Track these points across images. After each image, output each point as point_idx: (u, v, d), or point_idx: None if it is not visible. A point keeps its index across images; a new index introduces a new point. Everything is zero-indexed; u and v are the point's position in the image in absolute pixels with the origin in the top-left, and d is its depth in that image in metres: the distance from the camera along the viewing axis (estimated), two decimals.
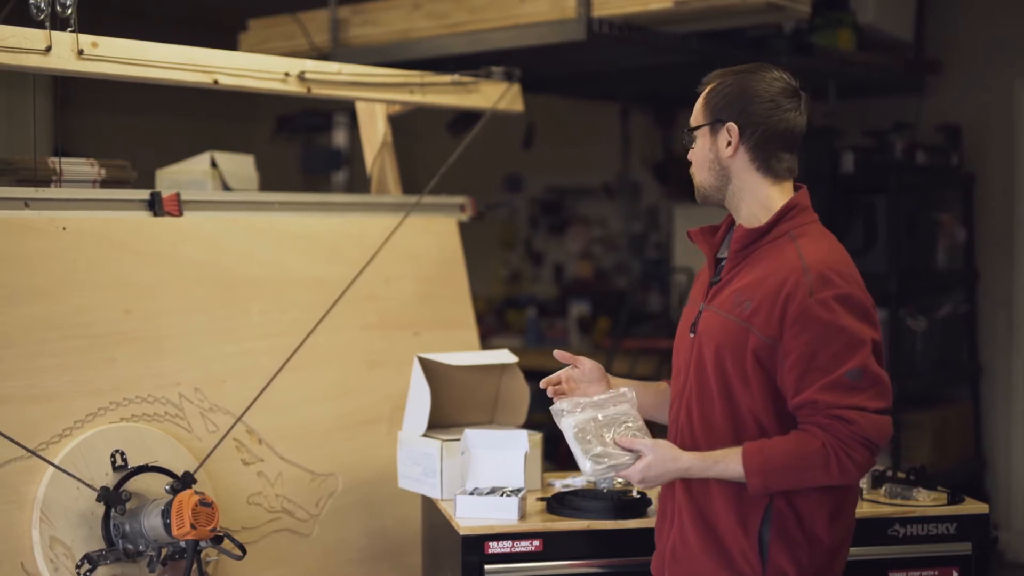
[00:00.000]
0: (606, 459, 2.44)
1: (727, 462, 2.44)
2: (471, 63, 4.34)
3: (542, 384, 2.72)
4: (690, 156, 2.62)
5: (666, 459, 2.45)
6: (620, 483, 3.34)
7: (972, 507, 3.18)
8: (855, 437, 2.39)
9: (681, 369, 2.60)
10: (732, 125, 2.54)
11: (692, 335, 2.57)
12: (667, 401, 2.74)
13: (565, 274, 7.95)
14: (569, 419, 2.52)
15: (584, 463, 2.45)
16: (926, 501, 3.19)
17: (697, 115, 2.59)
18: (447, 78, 4.12)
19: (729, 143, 2.55)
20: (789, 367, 2.43)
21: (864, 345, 2.42)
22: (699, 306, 2.60)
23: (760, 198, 2.57)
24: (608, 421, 2.52)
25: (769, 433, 2.48)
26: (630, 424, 2.52)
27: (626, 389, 2.59)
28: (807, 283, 2.43)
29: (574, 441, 2.48)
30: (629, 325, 6.70)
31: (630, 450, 2.47)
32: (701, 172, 2.60)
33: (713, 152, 2.57)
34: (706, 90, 2.59)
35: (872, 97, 6.13)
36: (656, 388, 2.82)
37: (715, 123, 2.55)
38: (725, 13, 4.35)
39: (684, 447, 2.52)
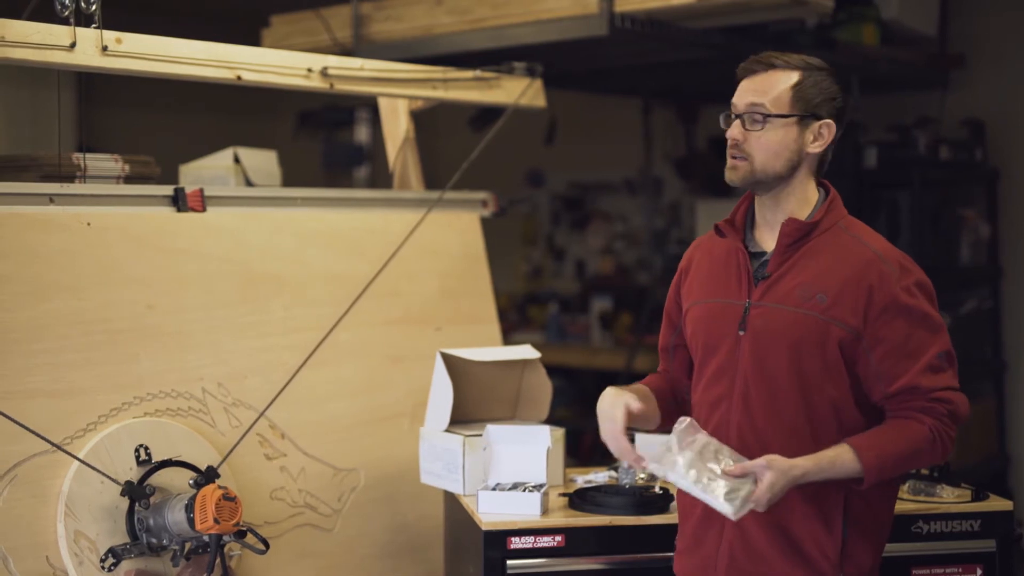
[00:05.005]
0: (736, 494, 2.33)
1: (842, 462, 2.41)
2: (493, 59, 4.34)
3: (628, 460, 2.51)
4: (753, 139, 2.52)
5: (784, 471, 2.36)
6: (642, 479, 3.34)
7: (996, 504, 3.16)
8: (953, 416, 2.48)
9: (725, 369, 2.56)
10: (832, 123, 2.55)
11: (741, 333, 2.54)
12: (654, 410, 2.70)
13: (587, 270, 7.94)
14: (675, 468, 2.35)
15: (723, 506, 2.33)
16: (950, 498, 3.17)
17: (781, 102, 2.52)
18: (469, 74, 4.12)
19: (817, 139, 2.55)
20: (882, 355, 2.46)
21: (943, 328, 2.51)
22: (740, 302, 2.56)
23: (808, 192, 2.60)
24: (703, 454, 2.38)
25: (847, 423, 2.49)
26: (725, 451, 2.40)
27: (687, 419, 2.43)
28: (890, 272, 2.48)
29: (695, 488, 2.35)
30: (651, 321, 6.68)
31: (743, 475, 2.36)
32: (772, 159, 2.53)
33: (797, 143, 2.54)
34: (794, 80, 2.52)
35: (895, 92, 6.10)
36: (646, 395, 2.71)
37: (808, 117, 2.53)
38: (748, 8, 4.33)
39: (748, 449, 2.47)
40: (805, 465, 2.39)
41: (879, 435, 2.46)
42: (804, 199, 2.59)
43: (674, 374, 2.82)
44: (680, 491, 2.71)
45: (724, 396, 2.55)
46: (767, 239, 2.61)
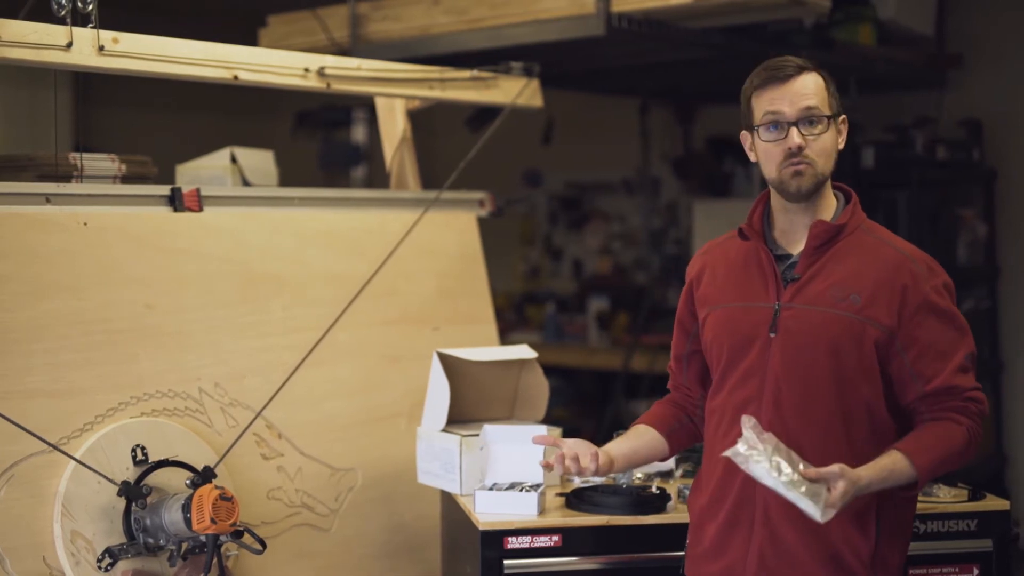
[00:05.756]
0: (817, 498, 2.32)
1: (899, 470, 2.43)
2: (490, 58, 4.34)
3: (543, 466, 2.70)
4: (812, 143, 2.51)
5: (853, 481, 2.36)
6: (639, 479, 3.34)
7: (993, 504, 3.16)
8: (982, 415, 2.50)
9: (754, 372, 2.55)
10: (846, 117, 2.59)
11: (772, 335, 2.53)
12: (654, 442, 2.78)
13: (584, 269, 7.95)
14: (761, 465, 2.34)
15: (811, 508, 2.32)
16: (947, 498, 3.17)
17: (825, 103, 2.52)
18: (466, 73, 4.12)
19: (840, 135, 2.58)
20: (916, 355, 2.48)
21: (968, 330, 2.53)
22: (769, 304, 2.55)
23: (831, 193, 2.62)
24: (779, 451, 2.37)
25: (878, 423, 2.50)
26: (794, 455, 2.38)
27: (751, 420, 2.39)
28: (920, 272, 2.51)
29: (781, 485, 2.33)
30: (648, 321, 6.69)
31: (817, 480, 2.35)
32: (828, 161, 2.54)
33: (836, 143, 2.56)
34: (823, 81, 2.54)
35: (893, 92, 6.10)
36: (638, 432, 2.81)
37: (838, 114, 2.56)
38: (745, 8, 4.33)
39: None
40: (869, 476, 2.40)
41: (924, 439, 2.47)
42: (830, 201, 2.60)
43: (687, 384, 2.81)
44: (693, 495, 2.70)
45: (753, 398, 2.54)
46: (790, 241, 2.60)
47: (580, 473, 2.69)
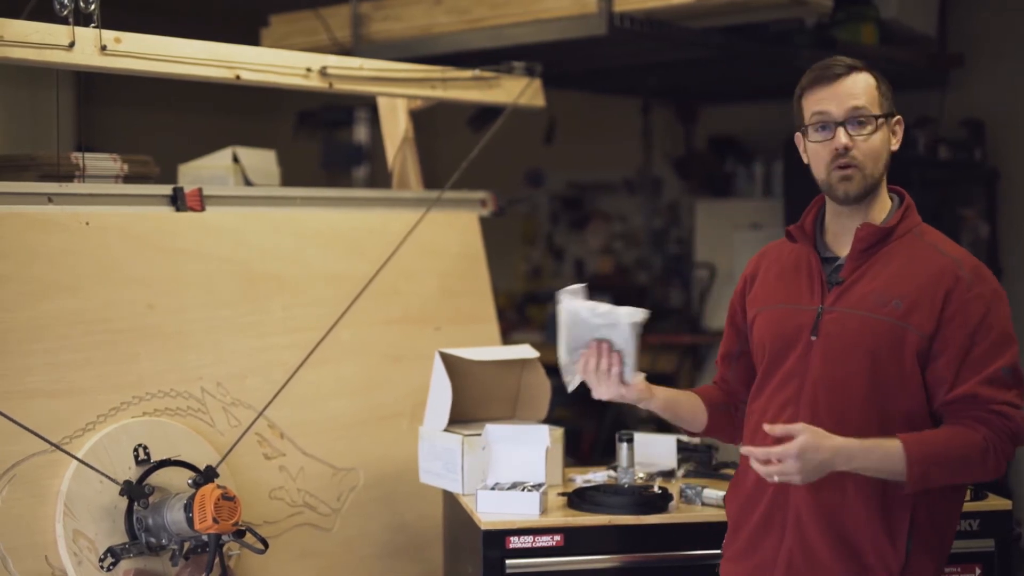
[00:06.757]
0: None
1: (884, 446, 2.35)
2: (492, 58, 4.34)
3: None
4: (860, 145, 2.48)
5: (820, 436, 2.31)
6: (641, 478, 3.34)
7: (995, 503, 3.16)
8: (1010, 433, 2.40)
9: (794, 374, 2.52)
10: (901, 118, 2.55)
11: (813, 338, 2.50)
12: (696, 408, 2.73)
13: (586, 269, 7.95)
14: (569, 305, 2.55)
15: (625, 311, 2.44)
16: None
17: (875, 103, 2.49)
18: (468, 73, 4.12)
19: (894, 135, 2.55)
20: (947, 361, 2.41)
21: (1014, 343, 2.45)
22: (812, 307, 2.52)
23: (885, 196, 2.58)
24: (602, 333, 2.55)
25: (920, 431, 2.43)
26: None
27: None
28: (965, 278, 2.44)
29: (600, 308, 2.51)
30: (650, 321, 6.67)
31: (782, 437, 2.33)
32: (877, 163, 2.50)
33: (888, 144, 2.53)
34: (874, 80, 2.50)
35: (895, 92, 6.09)
36: (686, 394, 2.78)
37: (891, 114, 2.52)
38: (747, 8, 4.34)
39: None
40: (843, 440, 2.33)
41: (931, 435, 2.40)
42: (883, 203, 2.57)
43: (732, 384, 2.78)
44: (729, 496, 2.69)
45: (791, 401, 2.52)
46: (840, 244, 2.57)
47: (607, 391, 2.68)
